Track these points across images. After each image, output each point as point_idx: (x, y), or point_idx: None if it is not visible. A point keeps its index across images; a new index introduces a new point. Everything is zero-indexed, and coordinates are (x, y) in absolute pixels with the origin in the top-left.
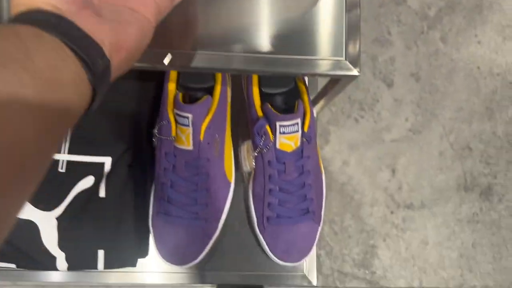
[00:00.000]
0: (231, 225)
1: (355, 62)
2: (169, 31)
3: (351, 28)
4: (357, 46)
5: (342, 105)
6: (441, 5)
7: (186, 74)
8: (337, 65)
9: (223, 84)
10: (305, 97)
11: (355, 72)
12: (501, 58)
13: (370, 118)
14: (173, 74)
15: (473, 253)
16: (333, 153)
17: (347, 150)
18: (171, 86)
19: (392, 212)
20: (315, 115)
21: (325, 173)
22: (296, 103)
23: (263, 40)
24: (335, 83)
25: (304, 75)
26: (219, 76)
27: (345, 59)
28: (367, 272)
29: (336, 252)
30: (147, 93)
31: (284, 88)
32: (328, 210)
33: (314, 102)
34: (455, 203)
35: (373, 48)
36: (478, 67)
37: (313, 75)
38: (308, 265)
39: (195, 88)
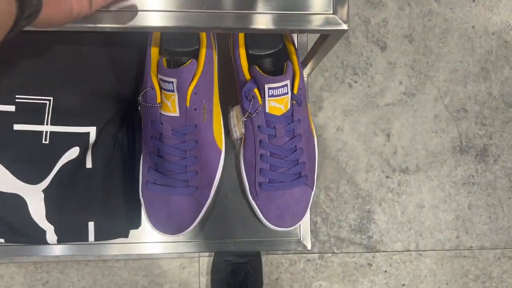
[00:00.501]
0: (223, 193)
1: (344, 16)
2: None
3: None
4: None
5: (335, 70)
6: None
7: (169, 37)
8: (325, 20)
9: (208, 46)
10: (294, 58)
11: (344, 26)
12: (496, 16)
13: (364, 83)
14: (155, 38)
15: (469, 214)
16: (326, 119)
17: (341, 116)
18: (154, 51)
19: (387, 177)
20: (305, 77)
21: (319, 139)
22: (285, 64)
23: None
24: (324, 39)
25: (291, 31)
26: (204, 39)
27: (334, 13)
28: (363, 237)
29: (332, 219)
30: (130, 60)
31: (272, 49)
32: (323, 177)
33: (304, 64)
34: (450, 166)
35: (365, 11)
36: (473, 27)
37: (301, 32)
38: (303, 230)
39: (179, 52)
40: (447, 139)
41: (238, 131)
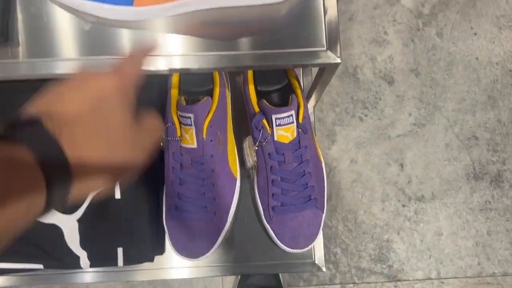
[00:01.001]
0: (240, 218)
1: (336, 51)
2: (167, 38)
3: (330, 21)
4: (337, 36)
5: (346, 105)
6: (435, 2)
7: (187, 79)
8: (320, 55)
9: (221, 85)
10: (298, 91)
11: (337, 60)
12: (498, 47)
13: (374, 116)
14: (175, 81)
15: (489, 241)
16: (340, 152)
17: (354, 149)
18: (174, 92)
19: (404, 206)
20: (310, 108)
21: (334, 172)
22: (290, 97)
23: (251, 38)
24: (322, 72)
25: (289, 67)
26: (217, 79)
27: (328, 49)
28: (384, 266)
29: (352, 249)
30: (152, 101)
31: (278, 85)
32: (340, 208)
33: (308, 96)
34: (465, 192)
35: (371, 49)
36: (477, 58)
37: (300, 66)
38: (317, 252)
39: (196, 92)
40: (460, 166)
41: (251, 159)
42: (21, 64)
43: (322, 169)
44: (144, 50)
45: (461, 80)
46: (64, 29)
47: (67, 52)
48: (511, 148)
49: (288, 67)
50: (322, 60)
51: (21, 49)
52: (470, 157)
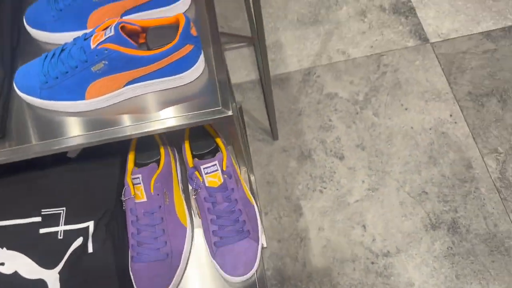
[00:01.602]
0: (195, 258)
1: (228, 108)
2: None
3: (222, 89)
4: (227, 98)
5: (306, 182)
6: (367, 90)
7: (140, 153)
8: (217, 112)
9: (166, 155)
10: (222, 147)
11: (229, 113)
12: (428, 116)
13: (332, 187)
14: (131, 156)
15: (459, 284)
16: (308, 223)
17: (320, 218)
18: (130, 165)
19: (373, 263)
20: (232, 157)
21: (304, 242)
22: (216, 152)
23: (169, 109)
24: (225, 126)
25: (199, 123)
26: (162, 152)
27: (221, 107)
28: None
29: None
30: (113, 176)
31: (207, 148)
32: (316, 274)
33: (230, 146)
34: (427, 242)
35: (320, 134)
36: (412, 127)
37: (202, 123)
38: (258, 279)
39: (148, 163)
40: (417, 219)
41: (194, 207)
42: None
43: (254, 208)
44: None
45: (402, 147)
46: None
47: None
48: (459, 197)
49: (197, 124)
50: (220, 115)
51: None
52: (424, 210)
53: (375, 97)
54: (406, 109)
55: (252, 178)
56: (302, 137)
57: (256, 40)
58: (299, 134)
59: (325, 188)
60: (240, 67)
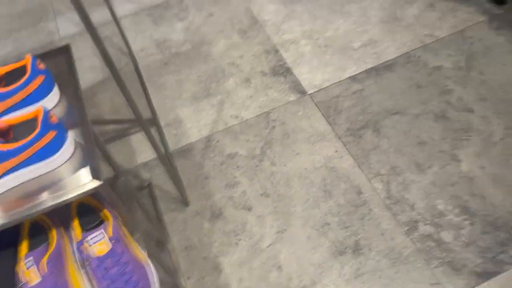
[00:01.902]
0: None
1: (98, 177)
2: None
3: (92, 159)
4: (99, 172)
5: (221, 239)
6: (262, 144)
7: (35, 241)
8: (88, 186)
9: (58, 236)
10: (107, 214)
11: (97, 183)
12: (317, 156)
13: (246, 238)
14: (23, 245)
15: None
16: (228, 277)
17: (238, 269)
18: (22, 252)
19: None
20: (119, 222)
21: None
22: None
23: (45, 192)
24: (102, 194)
25: (68, 201)
26: (54, 234)
27: (93, 179)
28: None
29: None
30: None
31: (94, 222)
32: None
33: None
34: (337, 268)
35: (227, 191)
36: (305, 168)
37: (86, 194)
38: None
39: (40, 248)
40: (324, 250)
41: (91, 277)
42: None
43: (144, 267)
44: None
45: (299, 187)
46: None
47: None
48: (356, 221)
49: (73, 199)
50: (90, 186)
51: None
52: (329, 240)
53: (269, 149)
54: (297, 154)
55: (170, 247)
56: (211, 198)
57: (153, 120)
58: (209, 195)
59: (239, 240)
60: (146, 147)
